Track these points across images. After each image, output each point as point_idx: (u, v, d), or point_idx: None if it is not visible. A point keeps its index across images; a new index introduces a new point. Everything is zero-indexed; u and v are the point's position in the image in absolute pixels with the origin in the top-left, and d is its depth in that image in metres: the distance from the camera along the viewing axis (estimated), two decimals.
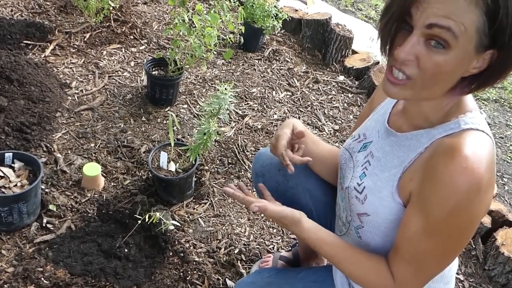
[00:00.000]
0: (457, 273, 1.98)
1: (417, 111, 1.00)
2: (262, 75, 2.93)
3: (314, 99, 2.86)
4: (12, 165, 1.71)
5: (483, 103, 3.48)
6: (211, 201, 2.03)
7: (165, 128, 2.32)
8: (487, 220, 2.10)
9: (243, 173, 2.20)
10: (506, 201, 2.53)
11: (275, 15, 3.00)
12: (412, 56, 0.85)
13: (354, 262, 1.04)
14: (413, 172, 0.95)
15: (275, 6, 3.03)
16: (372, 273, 1.01)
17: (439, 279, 1.11)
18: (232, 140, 2.36)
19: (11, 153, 1.72)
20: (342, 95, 2.98)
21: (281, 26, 3.08)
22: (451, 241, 0.91)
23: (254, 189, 1.57)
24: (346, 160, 1.18)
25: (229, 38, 2.38)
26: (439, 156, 0.89)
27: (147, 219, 1.63)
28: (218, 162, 2.23)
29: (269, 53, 3.15)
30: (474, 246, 2.09)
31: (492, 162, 0.88)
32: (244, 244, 1.88)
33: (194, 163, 1.90)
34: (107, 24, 2.85)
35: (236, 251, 1.84)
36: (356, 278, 1.04)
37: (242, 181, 2.16)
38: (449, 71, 0.85)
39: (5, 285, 1.50)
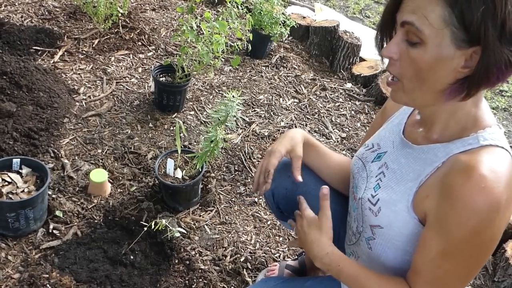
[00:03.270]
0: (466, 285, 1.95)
1: (432, 123, 0.99)
2: (269, 82, 2.93)
3: (321, 107, 2.85)
4: (20, 171, 1.72)
5: (492, 111, 3.44)
6: (217, 208, 2.02)
7: (172, 134, 2.32)
8: None
9: (249, 180, 2.19)
10: None
11: (283, 22, 3.00)
12: (396, 55, 0.88)
13: (379, 283, 1.00)
14: (429, 188, 0.93)
15: (283, 13, 3.03)
16: None
17: None
18: (239, 147, 2.36)
19: (19, 159, 1.72)
20: (350, 102, 2.97)
21: (288, 33, 3.08)
22: (473, 260, 0.90)
23: (262, 196, 1.56)
24: (359, 170, 1.16)
25: (237, 45, 2.38)
26: (456, 174, 0.87)
27: (153, 226, 1.63)
28: (224, 169, 2.22)
29: (276, 60, 3.15)
30: None
31: (511, 179, 0.86)
32: (250, 252, 1.87)
33: (200, 170, 1.90)
34: (115, 31, 2.86)
35: (242, 259, 1.82)
36: None
37: (248, 188, 2.15)
38: (428, 66, 0.85)
39: None
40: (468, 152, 0.90)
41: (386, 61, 0.94)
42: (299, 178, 1.20)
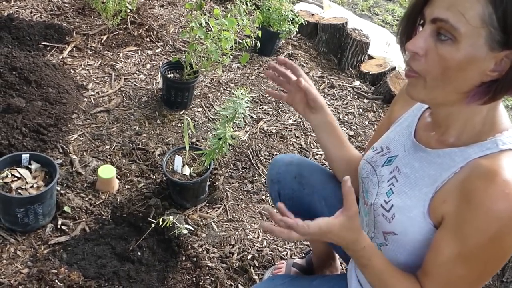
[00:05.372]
0: None
1: (447, 126, 0.96)
2: None
3: (329, 104, 2.84)
4: (29, 166, 1.73)
5: (506, 110, 3.42)
6: (225, 205, 2.02)
7: (180, 131, 2.32)
8: None
9: (257, 178, 2.19)
10: None
11: (291, 19, 2.99)
12: (422, 50, 0.84)
13: (400, 282, 0.98)
14: (446, 193, 0.91)
15: (291, 10, 3.02)
16: None
17: None
18: (246, 145, 2.35)
19: (28, 155, 1.73)
20: (358, 100, 2.96)
21: (297, 30, 3.07)
22: (487, 267, 0.88)
23: (269, 195, 1.56)
24: (369, 174, 1.13)
25: (245, 42, 2.37)
26: (478, 180, 0.85)
27: (160, 223, 1.63)
28: (232, 166, 2.22)
29: (284, 57, 3.14)
30: None
31: None
32: (257, 250, 1.87)
33: (208, 167, 1.90)
34: (124, 27, 2.87)
35: (249, 257, 1.82)
36: None
37: (255, 186, 2.15)
38: (458, 66, 0.82)
39: (20, 286, 1.51)
40: (487, 156, 0.87)
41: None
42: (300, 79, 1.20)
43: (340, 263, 1.72)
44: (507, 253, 0.87)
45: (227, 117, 1.75)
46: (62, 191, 1.85)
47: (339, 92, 2.98)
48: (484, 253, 0.86)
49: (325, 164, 2.29)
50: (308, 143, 2.48)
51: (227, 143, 1.80)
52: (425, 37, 0.84)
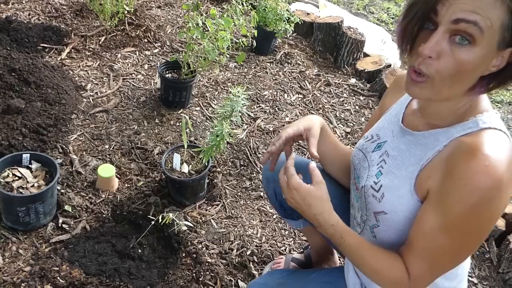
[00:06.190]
0: (471, 276, 1.97)
1: (435, 111, 1.01)
2: (274, 78, 2.95)
3: (325, 102, 2.87)
4: (30, 166, 1.75)
5: (497, 105, 3.45)
6: (224, 202, 2.04)
7: (178, 130, 2.34)
8: (501, 223, 2.08)
9: (255, 175, 2.22)
10: None
11: (287, 18, 3.01)
12: (435, 54, 0.85)
13: (376, 255, 1.03)
14: (431, 170, 0.96)
15: (287, 10, 3.04)
16: (390, 268, 1.01)
17: (453, 277, 1.11)
18: (244, 143, 2.38)
19: (29, 154, 1.75)
20: (354, 97, 2.99)
21: (293, 29, 3.09)
22: (467, 238, 0.92)
23: (265, 194, 1.58)
24: (360, 160, 1.18)
25: (242, 42, 2.40)
26: (460, 155, 0.90)
27: (160, 220, 1.65)
28: (230, 164, 2.24)
29: (281, 56, 3.17)
30: (488, 249, 2.07)
31: (511, 161, 0.89)
32: (256, 246, 1.89)
33: (206, 165, 1.92)
34: (121, 28, 2.89)
35: (248, 253, 1.85)
36: (375, 272, 1.03)
37: (253, 183, 2.18)
38: (472, 67, 0.85)
39: (22, 284, 1.53)
40: (469, 135, 0.93)
41: (406, 58, 0.93)
42: (316, 154, 1.13)
43: (338, 257, 1.74)
44: (485, 225, 0.91)
45: (224, 114, 1.78)
46: (62, 190, 1.88)
47: (335, 90, 3.01)
48: (464, 223, 0.89)
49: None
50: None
51: (225, 140, 1.82)
52: (439, 40, 0.84)
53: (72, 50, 2.66)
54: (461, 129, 0.95)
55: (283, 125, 2.57)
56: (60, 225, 1.76)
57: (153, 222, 1.71)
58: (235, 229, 1.94)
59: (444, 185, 0.91)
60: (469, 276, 1.97)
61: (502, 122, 0.96)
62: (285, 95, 2.83)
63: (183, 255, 1.77)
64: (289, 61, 3.15)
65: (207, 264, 1.74)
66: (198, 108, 2.54)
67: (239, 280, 1.74)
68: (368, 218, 1.12)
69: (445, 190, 0.91)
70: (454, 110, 0.97)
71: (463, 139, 0.93)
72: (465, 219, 0.89)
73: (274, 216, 2.04)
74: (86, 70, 2.56)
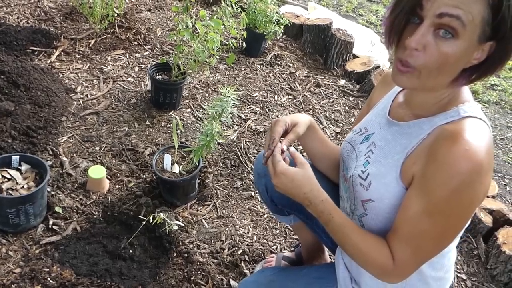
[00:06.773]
0: (460, 272, 1.99)
1: (420, 102, 1.05)
2: (264, 80, 2.97)
3: (315, 103, 2.89)
4: (19, 167, 1.75)
5: (484, 105, 3.50)
6: (215, 202, 2.05)
7: (169, 131, 2.35)
8: (488, 220, 2.11)
9: (246, 175, 2.23)
10: (508, 201, 2.54)
11: (276, 20, 3.04)
12: (420, 46, 0.89)
13: (362, 236, 1.05)
14: (415, 157, 0.99)
15: (276, 12, 3.07)
16: (376, 251, 1.02)
17: (439, 267, 1.13)
18: (235, 143, 2.39)
19: (18, 156, 1.75)
20: (344, 98, 3.01)
21: (282, 31, 3.12)
22: (450, 221, 0.95)
23: (256, 190, 1.59)
24: (349, 152, 1.21)
25: (232, 43, 2.41)
26: (442, 140, 0.93)
27: (151, 220, 1.65)
28: (221, 164, 2.25)
29: (271, 58, 3.19)
30: (476, 246, 2.10)
31: (490, 147, 0.93)
32: (247, 245, 1.90)
33: (197, 165, 1.93)
34: (111, 31, 2.89)
35: (239, 252, 1.85)
36: (361, 253, 1.05)
37: (244, 183, 2.19)
38: (455, 60, 0.90)
39: (12, 285, 1.52)
40: (451, 123, 0.97)
41: (392, 51, 0.96)
42: (284, 146, 1.16)
43: (329, 255, 1.76)
44: (466, 209, 0.94)
45: (214, 114, 1.79)
46: (52, 192, 1.87)
47: (325, 91, 3.03)
48: (446, 206, 0.92)
49: None
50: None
51: (215, 140, 1.83)
52: (424, 33, 0.89)
53: (62, 53, 2.65)
54: (443, 118, 0.99)
55: None
56: (50, 226, 1.76)
57: (144, 223, 1.71)
58: (226, 229, 1.95)
59: (427, 169, 0.94)
60: (457, 272, 2.00)
61: (482, 112, 1.00)
62: (275, 96, 2.85)
63: (175, 255, 1.77)
64: (279, 62, 3.17)
65: (198, 263, 1.74)
66: (188, 110, 2.55)
67: (230, 279, 1.74)
68: (356, 208, 1.14)
69: (428, 174, 0.94)
70: (437, 101, 1.01)
71: (445, 127, 0.96)
72: (447, 202, 0.92)
73: (265, 216, 2.05)
74: (76, 73, 2.56)
